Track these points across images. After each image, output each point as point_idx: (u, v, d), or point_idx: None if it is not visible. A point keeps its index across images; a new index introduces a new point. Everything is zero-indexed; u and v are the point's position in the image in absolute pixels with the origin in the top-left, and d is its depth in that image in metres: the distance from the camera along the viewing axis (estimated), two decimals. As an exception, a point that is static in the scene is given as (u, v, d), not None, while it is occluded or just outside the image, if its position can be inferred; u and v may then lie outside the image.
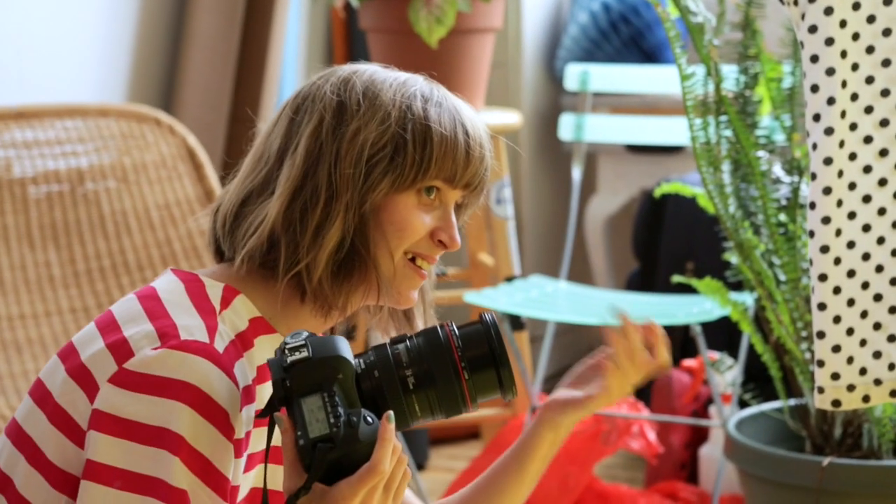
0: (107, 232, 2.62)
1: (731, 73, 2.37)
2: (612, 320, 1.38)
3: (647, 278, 3.25)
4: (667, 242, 3.23)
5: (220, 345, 1.24)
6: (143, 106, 2.76)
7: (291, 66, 3.24)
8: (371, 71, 1.32)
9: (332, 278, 1.27)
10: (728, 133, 2.35)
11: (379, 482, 1.19)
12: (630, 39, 3.52)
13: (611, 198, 3.62)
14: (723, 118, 2.34)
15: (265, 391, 1.28)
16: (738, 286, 2.53)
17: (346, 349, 1.23)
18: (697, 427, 2.94)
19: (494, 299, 2.75)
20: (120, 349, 1.24)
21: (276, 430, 1.25)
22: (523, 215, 3.67)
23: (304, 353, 1.21)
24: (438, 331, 1.25)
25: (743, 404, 2.68)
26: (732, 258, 2.38)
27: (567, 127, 3.05)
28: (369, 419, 1.20)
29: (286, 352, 1.21)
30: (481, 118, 1.33)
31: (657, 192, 2.62)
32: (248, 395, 1.26)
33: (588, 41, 3.55)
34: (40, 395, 1.27)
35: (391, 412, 1.20)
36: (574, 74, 3.03)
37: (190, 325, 1.24)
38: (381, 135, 1.27)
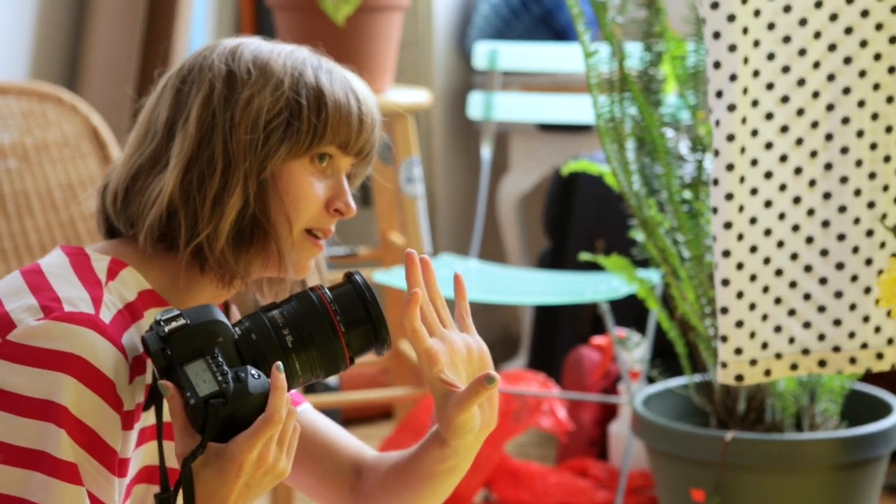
0: (8, 213, 2.57)
1: (635, 51, 2.38)
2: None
3: (558, 256, 3.27)
4: (578, 220, 3.24)
5: (106, 315, 1.23)
6: (45, 84, 2.70)
7: (199, 43, 3.20)
8: (257, 42, 1.32)
9: (233, 247, 1.27)
10: (633, 111, 2.35)
11: (275, 433, 1.20)
12: (541, 18, 3.53)
13: (523, 176, 3.62)
14: (627, 96, 2.35)
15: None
16: (645, 263, 2.55)
17: (221, 314, 1.24)
18: (607, 404, 2.96)
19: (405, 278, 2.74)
20: (1, 322, 1.22)
21: (166, 406, 1.23)
22: (435, 194, 3.67)
23: (182, 321, 1.21)
24: (311, 294, 1.26)
25: (651, 381, 2.70)
26: (638, 235, 2.39)
27: (476, 105, 3.04)
28: (255, 374, 1.21)
29: (161, 323, 1.22)
30: (368, 89, 1.33)
31: (565, 171, 2.63)
32: (139, 365, 1.24)
33: (499, 19, 3.55)
34: None
35: (280, 363, 1.21)
36: (483, 53, 3.03)
37: (73, 296, 1.23)
38: (275, 101, 1.28)
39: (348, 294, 1.27)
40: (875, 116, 1.77)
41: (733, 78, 1.74)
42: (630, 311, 2.97)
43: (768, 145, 1.79)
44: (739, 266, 1.78)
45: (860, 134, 1.78)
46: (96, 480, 1.20)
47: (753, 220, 1.79)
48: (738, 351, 1.79)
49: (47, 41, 2.98)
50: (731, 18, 1.73)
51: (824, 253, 1.79)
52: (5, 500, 1.18)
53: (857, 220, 1.79)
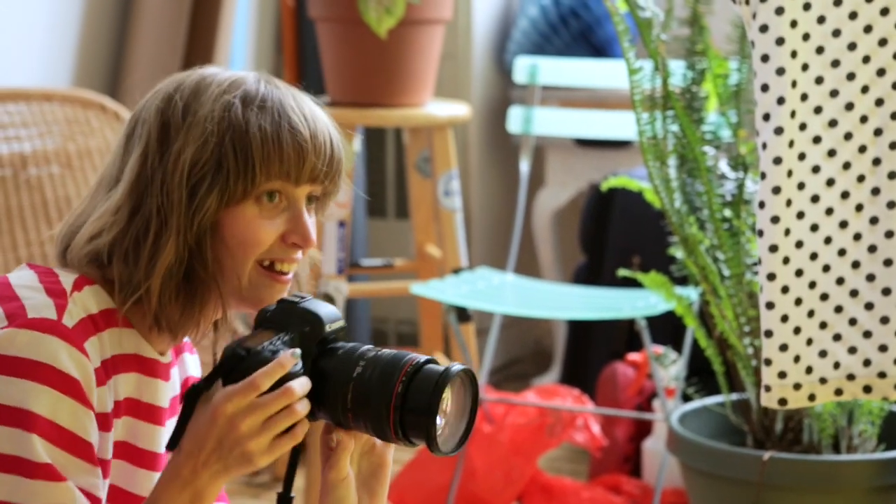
0: (50, 218, 2.59)
1: (678, 69, 2.38)
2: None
3: (594, 272, 3.27)
4: (614, 236, 3.24)
5: (69, 321, 1.24)
6: (89, 91, 2.72)
7: (240, 54, 3.22)
8: (197, 81, 1.28)
9: (174, 303, 1.26)
10: (675, 128, 2.36)
11: (254, 401, 1.19)
12: (580, 34, 3.53)
13: (559, 191, 3.62)
14: (670, 113, 2.35)
15: (119, 383, 1.27)
16: (683, 281, 2.55)
17: (332, 316, 1.25)
18: (641, 421, 2.96)
19: (441, 291, 2.75)
20: None
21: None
22: (471, 207, 3.67)
23: (297, 299, 1.25)
24: (401, 358, 1.23)
25: (687, 398, 2.69)
26: (677, 253, 2.39)
27: (516, 120, 3.05)
28: (296, 358, 1.22)
29: (291, 295, 1.26)
30: (318, 110, 1.29)
31: (604, 186, 2.63)
32: (105, 371, 1.25)
33: (538, 35, 3.56)
34: None
35: (299, 350, 1.22)
36: (523, 67, 3.04)
37: (38, 303, 1.24)
38: (199, 152, 1.25)
39: (427, 379, 1.21)
40: (922, 141, 1.77)
41: (781, 101, 1.74)
42: (664, 329, 2.97)
43: (815, 169, 1.79)
44: (784, 289, 1.78)
45: (909, 159, 1.78)
46: (79, 474, 1.22)
47: (799, 244, 1.78)
48: (782, 374, 1.79)
49: (91, 50, 3.00)
50: (780, 42, 1.73)
51: (871, 278, 1.79)
52: None
53: (904, 246, 1.78)
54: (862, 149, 1.79)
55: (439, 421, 1.21)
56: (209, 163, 1.25)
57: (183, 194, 1.24)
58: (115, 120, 2.68)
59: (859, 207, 1.79)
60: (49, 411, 1.20)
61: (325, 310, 1.25)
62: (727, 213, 2.35)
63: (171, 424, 1.32)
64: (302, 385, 1.21)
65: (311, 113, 1.28)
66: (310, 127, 1.27)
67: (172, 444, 1.23)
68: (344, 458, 1.26)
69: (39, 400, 1.20)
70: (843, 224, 1.80)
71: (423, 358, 1.23)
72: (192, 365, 1.40)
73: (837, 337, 1.80)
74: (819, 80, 1.77)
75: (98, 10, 3.00)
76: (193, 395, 1.23)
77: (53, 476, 1.20)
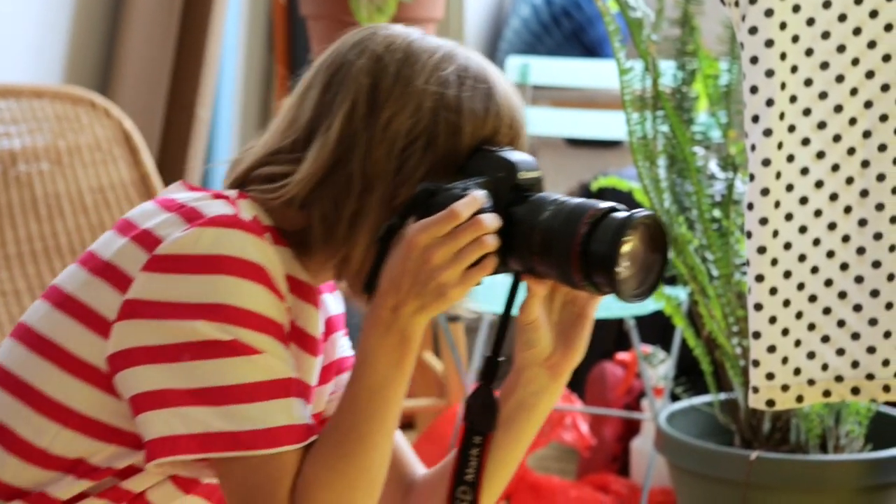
0: (39, 215, 2.59)
1: (668, 69, 2.39)
2: None
3: (583, 271, 3.27)
4: (603, 236, 3.24)
5: (245, 216, 1.25)
6: (79, 88, 2.72)
7: (231, 51, 3.22)
8: (405, 45, 1.28)
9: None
10: (665, 128, 2.36)
11: (449, 230, 1.19)
12: (571, 34, 3.54)
13: (550, 190, 3.62)
14: (660, 113, 2.36)
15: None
16: (671, 280, 2.56)
17: (528, 165, 1.25)
18: (630, 420, 2.97)
19: (431, 290, 2.75)
20: (146, 239, 1.23)
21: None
22: (460, 205, 3.67)
23: (496, 149, 1.25)
24: (592, 205, 1.23)
25: (675, 398, 2.70)
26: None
27: (506, 119, 3.05)
28: (486, 200, 1.23)
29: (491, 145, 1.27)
30: (513, 91, 1.31)
31: (594, 186, 2.64)
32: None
33: (530, 34, 3.56)
34: (57, 299, 1.27)
35: (486, 192, 1.22)
36: (514, 67, 3.04)
37: (211, 204, 1.25)
38: (413, 125, 1.25)
39: (611, 222, 1.21)
40: (911, 143, 1.77)
41: (770, 103, 1.74)
42: (653, 328, 2.97)
43: (804, 171, 1.79)
44: (773, 291, 1.78)
45: (897, 161, 1.78)
46: (279, 353, 1.21)
47: (788, 246, 1.79)
48: (770, 376, 1.79)
49: (81, 46, 3.00)
50: (770, 44, 1.74)
51: (859, 280, 1.79)
52: (212, 392, 1.19)
53: (892, 248, 1.78)
54: (851, 151, 1.79)
55: (623, 264, 1.21)
56: (420, 139, 1.25)
57: (392, 164, 1.25)
58: (106, 116, 2.68)
59: (848, 210, 1.79)
60: (241, 300, 1.20)
61: (520, 158, 1.25)
62: (716, 213, 2.36)
63: (321, 360, 1.32)
64: (492, 218, 1.22)
65: (512, 95, 1.30)
66: (511, 113, 1.29)
67: (370, 286, 1.22)
68: (533, 303, 1.27)
69: (231, 291, 1.20)
70: (832, 226, 1.80)
71: (609, 205, 1.24)
72: (332, 305, 1.39)
73: (826, 339, 1.80)
74: (808, 83, 1.77)
75: (89, 7, 3.00)
76: (388, 234, 1.22)
77: (248, 351, 1.20)
